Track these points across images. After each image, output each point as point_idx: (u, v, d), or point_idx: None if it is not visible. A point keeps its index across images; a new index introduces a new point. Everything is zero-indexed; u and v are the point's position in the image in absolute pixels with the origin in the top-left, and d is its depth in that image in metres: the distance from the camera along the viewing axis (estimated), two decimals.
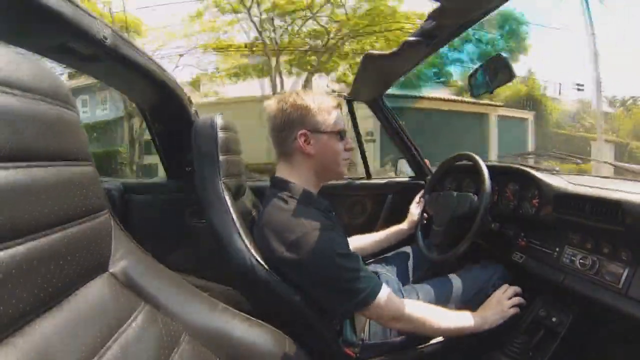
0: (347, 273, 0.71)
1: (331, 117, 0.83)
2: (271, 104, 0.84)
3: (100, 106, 10.42)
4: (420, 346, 0.87)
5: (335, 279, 0.70)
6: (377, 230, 1.31)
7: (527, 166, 1.11)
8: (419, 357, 0.86)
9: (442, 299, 0.92)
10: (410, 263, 1.17)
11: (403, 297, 0.93)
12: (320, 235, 0.70)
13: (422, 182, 1.60)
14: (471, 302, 0.91)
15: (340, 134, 0.84)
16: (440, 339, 0.88)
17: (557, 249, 0.89)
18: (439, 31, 0.79)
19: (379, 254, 1.22)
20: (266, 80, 9.25)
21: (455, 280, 0.98)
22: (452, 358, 0.92)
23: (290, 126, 0.80)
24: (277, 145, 0.85)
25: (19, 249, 0.26)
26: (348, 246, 0.77)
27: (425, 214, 1.24)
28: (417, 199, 1.29)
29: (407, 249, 1.22)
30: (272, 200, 0.79)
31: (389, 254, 1.22)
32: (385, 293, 0.72)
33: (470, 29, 0.86)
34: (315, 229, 0.71)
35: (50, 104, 0.31)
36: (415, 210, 1.25)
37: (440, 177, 1.33)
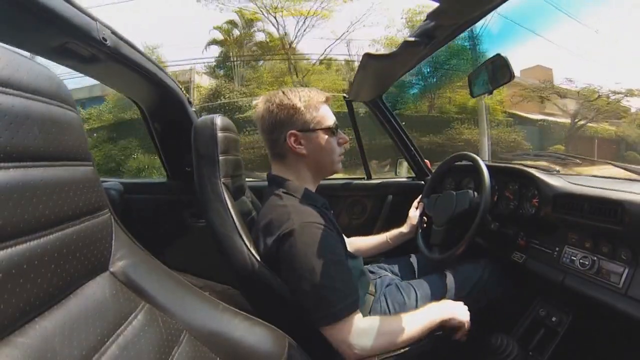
0: (327, 280, 0.64)
1: (320, 114, 0.81)
2: (259, 104, 0.83)
3: None
4: (417, 345, 0.87)
5: (315, 284, 0.64)
6: (377, 231, 1.30)
7: (526, 166, 1.11)
8: (417, 356, 0.86)
9: (438, 296, 0.92)
10: (413, 267, 1.17)
11: (402, 295, 0.93)
12: (311, 232, 0.68)
13: (422, 182, 1.61)
14: (466, 297, 0.91)
15: (332, 130, 0.82)
16: (439, 336, 0.88)
17: (557, 249, 0.89)
18: (438, 31, 0.79)
19: (378, 257, 1.22)
20: None
21: (451, 277, 0.98)
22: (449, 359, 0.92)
23: (279, 127, 0.79)
24: (269, 147, 0.84)
25: (19, 249, 0.26)
26: (340, 248, 0.73)
27: (424, 217, 1.24)
28: (415, 203, 1.28)
29: (410, 255, 1.22)
30: (269, 198, 0.79)
31: (393, 259, 1.21)
32: (357, 317, 0.66)
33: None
34: (307, 223, 0.69)
35: (50, 105, 0.31)
36: (414, 214, 1.24)
37: (439, 178, 1.33)
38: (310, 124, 0.79)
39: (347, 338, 0.64)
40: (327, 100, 0.83)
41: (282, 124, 0.79)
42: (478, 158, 1.06)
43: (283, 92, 0.81)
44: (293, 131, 0.79)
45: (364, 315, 0.70)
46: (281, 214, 0.72)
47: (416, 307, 0.90)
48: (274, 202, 0.77)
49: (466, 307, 0.81)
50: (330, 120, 0.82)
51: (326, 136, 0.81)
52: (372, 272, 1.08)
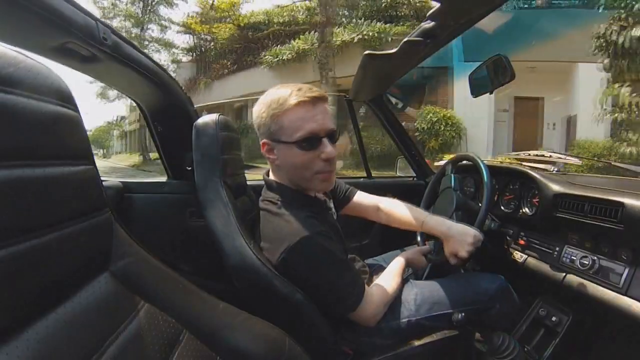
0: (338, 280, 0.73)
1: (291, 123, 0.69)
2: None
3: None
4: (415, 344, 0.86)
5: (330, 286, 0.73)
6: (376, 230, 1.30)
7: (527, 166, 1.11)
8: (418, 356, 0.86)
9: (437, 299, 0.88)
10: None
11: (401, 292, 0.91)
12: (313, 245, 0.71)
13: (422, 182, 1.60)
14: (466, 307, 0.86)
15: (301, 144, 0.69)
16: (439, 336, 0.87)
17: (557, 249, 0.89)
18: (439, 31, 0.79)
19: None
20: None
21: (454, 284, 0.92)
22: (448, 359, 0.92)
23: (258, 132, 0.77)
24: None
25: (19, 248, 0.26)
26: (340, 249, 0.77)
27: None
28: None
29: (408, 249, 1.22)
30: (265, 204, 0.79)
31: (389, 253, 1.22)
32: (368, 296, 0.76)
33: None
34: (307, 237, 0.71)
35: (50, 104, 0.31)
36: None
37: (441, 178, 1.31)
38: (277, 134, 0.71)
39: (369, 314, 0.77)
40: (305, 104, 0.68)
41: (257, 130, 0.76)
42: (478, 158, 1.06)
43: (266, 94, 0.75)
44: (264, 140, 0.75)
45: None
46: (280, 226, 0.74)
47: (414, 303, 0.88)
48: (271, 209, 0.77)
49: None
50: (301, 131, 0.68)
51: (295, 150, 0.70)
52: (370, 266, 1.08)
